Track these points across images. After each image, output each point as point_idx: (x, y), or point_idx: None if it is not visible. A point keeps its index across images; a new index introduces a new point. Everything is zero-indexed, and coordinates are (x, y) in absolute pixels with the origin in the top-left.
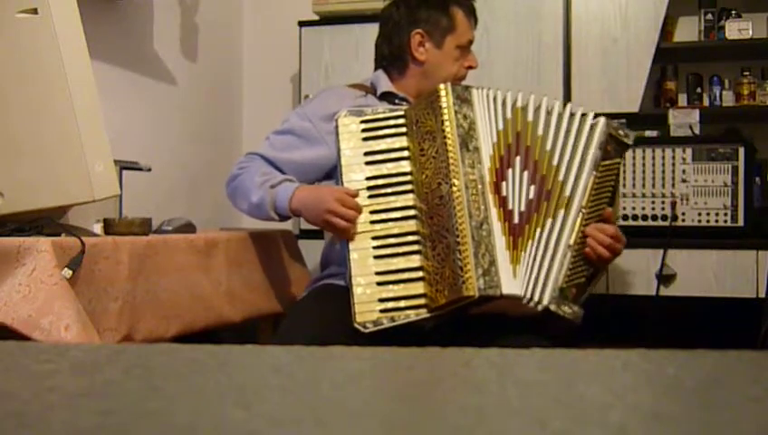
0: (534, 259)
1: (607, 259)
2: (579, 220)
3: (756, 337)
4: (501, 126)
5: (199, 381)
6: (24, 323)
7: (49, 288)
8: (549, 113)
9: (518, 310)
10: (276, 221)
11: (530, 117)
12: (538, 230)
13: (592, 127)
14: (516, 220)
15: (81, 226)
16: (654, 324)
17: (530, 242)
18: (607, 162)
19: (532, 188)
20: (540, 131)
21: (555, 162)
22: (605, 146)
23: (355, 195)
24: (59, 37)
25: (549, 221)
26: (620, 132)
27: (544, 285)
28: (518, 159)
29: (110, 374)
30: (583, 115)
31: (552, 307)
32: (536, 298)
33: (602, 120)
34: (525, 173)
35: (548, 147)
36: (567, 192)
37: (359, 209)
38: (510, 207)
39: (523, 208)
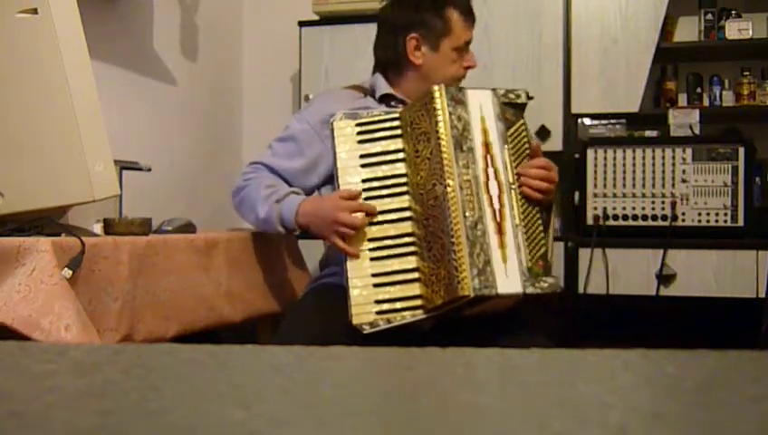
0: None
1: (545, 190)
2: (514, 196)
3: (756, 337)
4: (480, 125)
5: (199, 381)
6: (24, 323)
7: (49, 288)
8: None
9: (500, 305)
10: (284, 233)
11: (484, 113)
12: (506, 224)
13: (484, 104)
14: (498, 219)
15: (81, 226)
16: (654, 324)
17: (505, 237)
18: (512, 130)
19: (495, 184)
20: (487, 125)
21: (495, 151)
22: (503, 116)
23: (356, 195)
24: (59, 37)
25: (506, 211)
26: (511, 96)
27: (511, 272)
28: (488, 157)
29: (110, 374)
30: (476, 96)
31: (530, 290)
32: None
33: (487, 92)
34: (490, 171)
35: (490, 138)
36: (502, 176)
37: (362, 210)
38: (495, 206)
39: (498, 206)
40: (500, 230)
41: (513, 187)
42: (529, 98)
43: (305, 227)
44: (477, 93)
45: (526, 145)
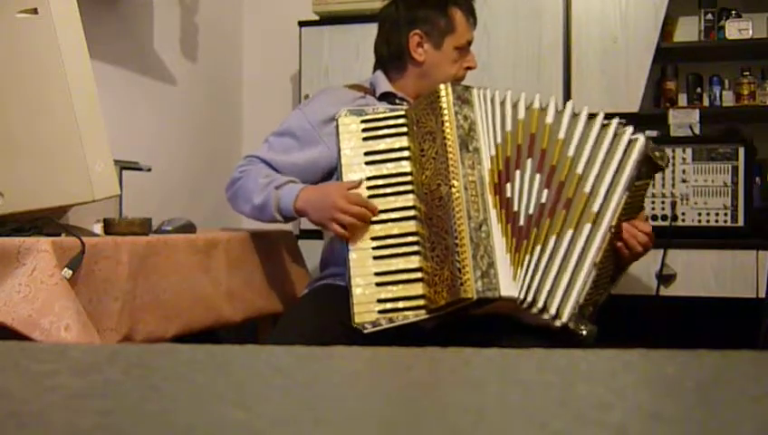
0: (547, 266)
1: (636, 255)
2: (607, 238)
3: (756, 337)
4: (510, 127)
5: (199, 382)
6: (24, 323)
7: (49, 288)
8: (575, 116)
9: (530, 319)
10: (280, 222)
11: (549, 119)
12: (552, 237)
13: (630, 145)
14: (522, 222)
15: (81, 226)
16: (654, 324)
17: (538, 247)
18: (639, 183)
19: (545, 192)
20: (561, 135)
21: (580, 170)
22: (640, 166)
23: (358, 186)
24: (59, 37)
25: (569, 232)
26: (656, 154)
27: (564, 300)
28: (530, 160)
29: (110, 374)
30: (621, 126)
31: (572, 325)
32: (552, 311)
33: (642, 139)
34: (538, 176)
35: (570, 152)
36: (595, 207)
37: (365, 205)
38: (515, 208)
39: (531, 211)
40: (516, 234)
41: (613, 230)
42: (667, 165)
43: (303, 213)
44: (505, 94)
45: (640, 202)
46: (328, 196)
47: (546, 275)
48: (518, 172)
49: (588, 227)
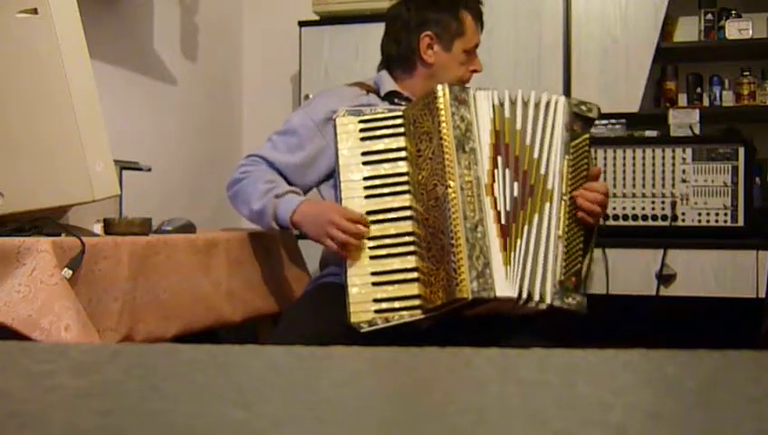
0: (526, 258)
1: (598, 215)
2: (563, 209)
3: (756, 337)
4: (489, 126)
5: (199, 382)
6: (24, 323)
7: (49, 288)
8: (525, 105)
9: (518, 311)
10: (276, 230)
11: (507, 113)
12: (526, 228)
13: (555, 110)
14: (504, 221)
15: (81, 226)
16: (654, 324)
17: (518, 241)
18: (576, 141)
19: (516, 185)
20: (518, 126)
21: (536, 155)
22: (571, 126)
23: (360, 220)
24: (59, 37)
25: (536, 217)
26: (583, 108)
27: (543, 282)
28: (500, 158)
29: (110, 374)
30: (548, 101)
31: (557, 303)
32: (536, 297)
33: (561, 99)
34: (507, 171)
35: (527, 141)
36: (549, 185)
37: (363, 224)
38: (499, 207)
39: (508, 208)
40: (503, 232)
41: (565, 198)
42: (600, 114)
43: (298, 225)
44: (484, 94)
45: (585, 160)
46: (324, 213)
47: (525, 266)
48: (496, 171)
49: (547, 205)
